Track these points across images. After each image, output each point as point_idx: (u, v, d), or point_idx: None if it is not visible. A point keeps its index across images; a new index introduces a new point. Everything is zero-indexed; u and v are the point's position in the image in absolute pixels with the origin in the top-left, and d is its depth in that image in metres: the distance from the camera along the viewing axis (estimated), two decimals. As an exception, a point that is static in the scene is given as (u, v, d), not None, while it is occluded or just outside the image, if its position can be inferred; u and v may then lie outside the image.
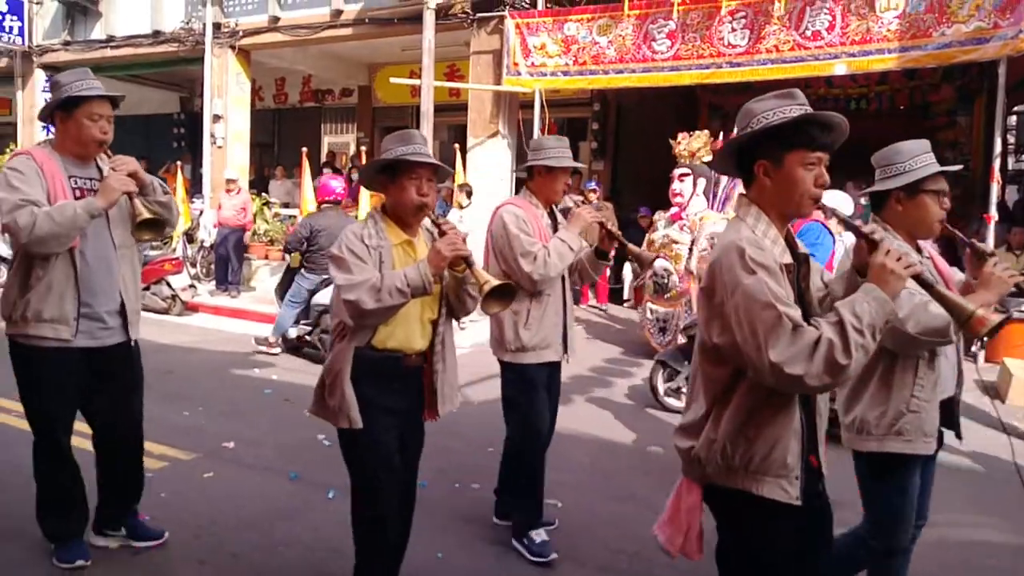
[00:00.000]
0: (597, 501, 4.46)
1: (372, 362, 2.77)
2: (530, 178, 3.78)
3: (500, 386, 3.78)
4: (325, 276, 7.53)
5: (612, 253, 3.83)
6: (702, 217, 7.74)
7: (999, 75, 7.84)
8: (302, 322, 7.89)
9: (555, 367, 3.79)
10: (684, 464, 2.17)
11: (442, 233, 2.70)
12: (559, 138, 3.76)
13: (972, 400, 6.93)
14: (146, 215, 3.07)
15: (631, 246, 3.69)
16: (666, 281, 7.75)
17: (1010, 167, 15.18)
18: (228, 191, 11.42)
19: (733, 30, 8.91)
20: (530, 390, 3.67)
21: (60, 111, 3.14)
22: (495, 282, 2.68)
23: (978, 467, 5.28)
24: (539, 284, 3.53)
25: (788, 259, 2.02)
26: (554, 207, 3.84)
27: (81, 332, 3.14)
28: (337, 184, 8.12)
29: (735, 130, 2.14)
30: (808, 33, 8.53)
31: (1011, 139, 15.05)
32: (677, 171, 7.97)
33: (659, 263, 7.72)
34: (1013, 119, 15.18)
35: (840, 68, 8.55)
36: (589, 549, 3.82)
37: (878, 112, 13.09)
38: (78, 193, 3.12)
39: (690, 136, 8.15)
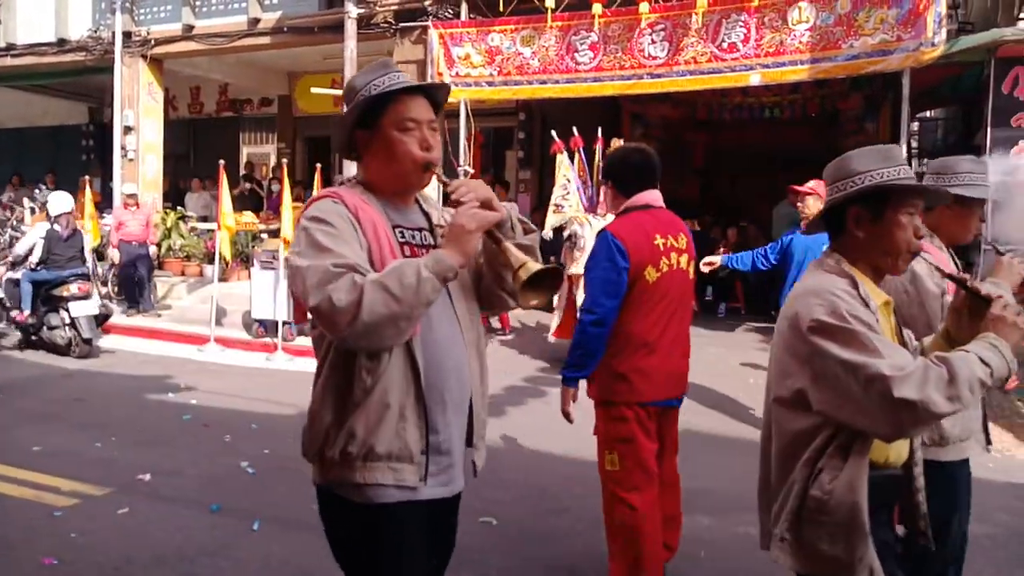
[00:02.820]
0: (532, 517, 4.42)
1: (874, 486, 1.88)
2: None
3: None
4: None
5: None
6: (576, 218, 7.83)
7: (903, 85, 8.18)
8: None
9: (966, 465, 2.84)
10: None
11: (985, 298, 1.92)
12: (977, 160, 2.86)
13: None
14: (535, 266, 1.85)
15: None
16: None
17: (914, 170, 15.92)
18: (127, 206, 10.94)
19: (653, 42, 9.05)
20: (958, 496, 2.81)
21: (360, 129, 2.00)
22: None
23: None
24: None
25: None
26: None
27: (431, 474, 1.95)
28: None
29: None
30: (724, 45, 8.73)
31: (915, 144, 15.76)
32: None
33: None
34: (916, 126, 15.91)
35: (755, 79, 8.77)
36: (525, 567, 3.77)
37: (791, 120, 13.54)
38: (407, 251, 1.97)
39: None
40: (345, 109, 2.04)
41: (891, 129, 11.44)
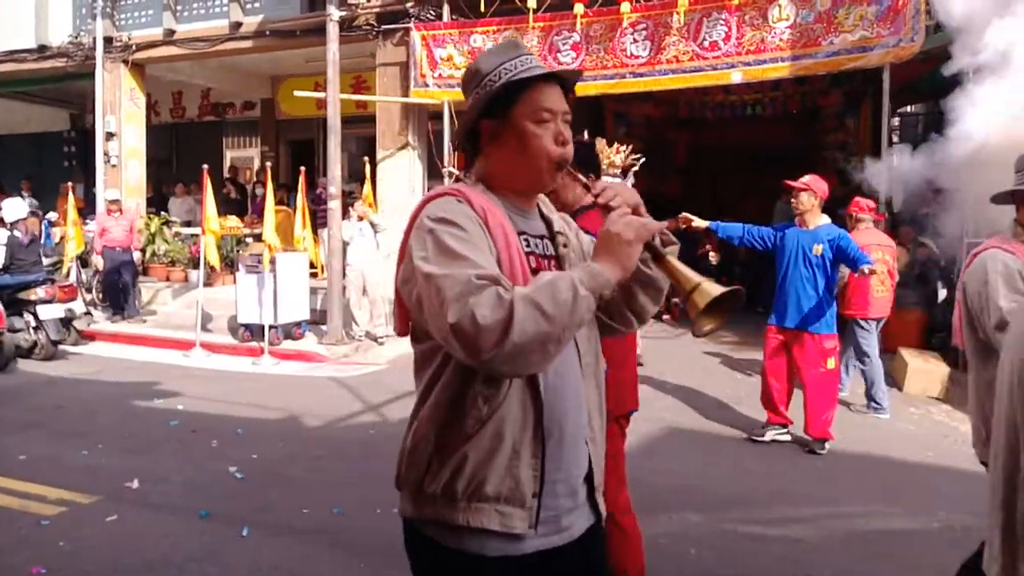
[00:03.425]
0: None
1: None
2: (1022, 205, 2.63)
3: None
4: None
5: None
6: None
7: (883, 80, 8.26)
8: None
9: None
10: None
11: None
12: None
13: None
14: (714, 288, 1.58)
15: None
16: None
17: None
18: (110, 212, 10.88)
19: (635, 41, 9.09)
20: None
21: (487, 118, 1.74)
22: None
23: (883, 455, 5.52)
24: None
25: None
26: None
27: (543, 521, 1.66)
28: None
29: None
30: (706, 44, 8.78)
31: (895, 139, 15.88)
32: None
33: None
34: (896, 121, 16.03)
35: (736, 76, 8.83)
36: None
37: (772, 117, 13.63)
38: (533, 263, 1.71)
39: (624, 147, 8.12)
40: (466, 96, 1.79)
41: (872, 125, 11.55)
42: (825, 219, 5.62)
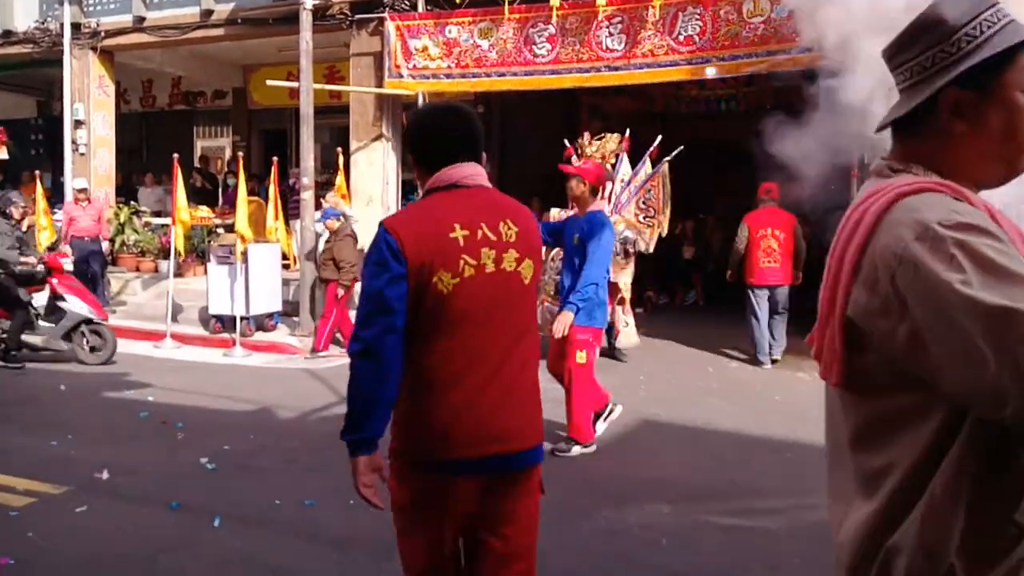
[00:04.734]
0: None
1: None
2: None
3: None
4: None
5: None
6: (615, 221, 7.75)
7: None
8: None
9: None
10: None
11: None
12: None
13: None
14: None
15: None
16: None
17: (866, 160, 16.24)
18: (78, 201, 10.71)
19: (610, 35, 9.12)
20: None
21: (956, 87, 1.28)
22: None
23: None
24: None
25: None
26: None
27: None
28: None
29: None
30: (681, 38, 8.83)
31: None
32: None
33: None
34: (869, 117, 16.23)
35: (711, 71, 8.88)
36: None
37: (747, 111, 13.73)
38: None
39: (599, 138, 8.14)
40: (903, 55, 1.34)
41: (843, 120, 11.71)
42: (600, 205, 5.20)
